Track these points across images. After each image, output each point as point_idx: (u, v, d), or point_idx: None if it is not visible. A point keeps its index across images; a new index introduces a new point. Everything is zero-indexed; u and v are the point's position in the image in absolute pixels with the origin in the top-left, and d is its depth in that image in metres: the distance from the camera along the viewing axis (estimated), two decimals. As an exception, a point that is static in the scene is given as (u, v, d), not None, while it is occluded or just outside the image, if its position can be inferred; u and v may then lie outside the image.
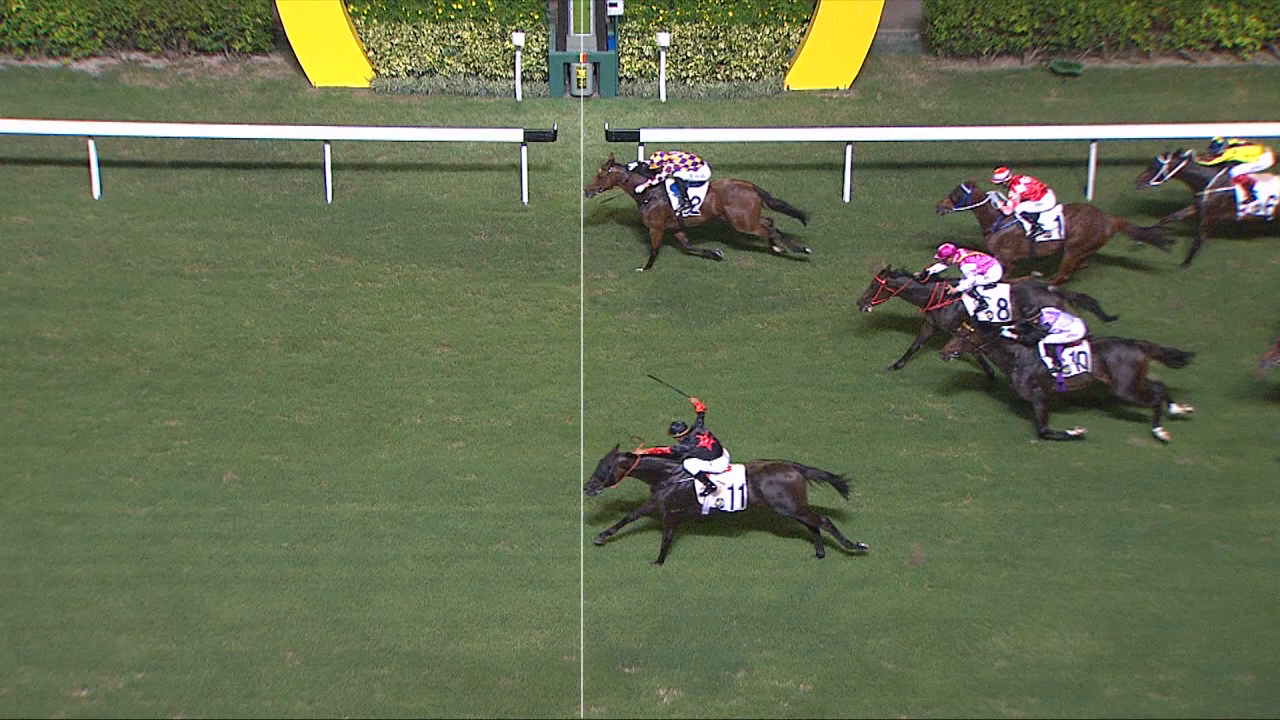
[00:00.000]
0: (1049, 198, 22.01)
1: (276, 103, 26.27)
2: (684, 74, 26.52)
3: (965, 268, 20.80)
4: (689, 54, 26.42)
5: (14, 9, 26.45)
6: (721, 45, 26.38)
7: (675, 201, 22.64)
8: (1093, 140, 24.29)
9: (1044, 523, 19.02)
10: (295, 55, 26.66)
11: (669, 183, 22.59)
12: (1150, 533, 18.90)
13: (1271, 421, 20.33)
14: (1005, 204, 22.04)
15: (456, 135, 24.93)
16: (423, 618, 17.82)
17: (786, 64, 26.59)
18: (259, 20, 26.79)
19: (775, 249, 23.00)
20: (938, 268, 20.98)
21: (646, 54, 26.43)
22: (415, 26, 26.38)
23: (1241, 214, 22.68)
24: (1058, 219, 21.98)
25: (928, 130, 25.02)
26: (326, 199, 24.26)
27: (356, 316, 22.05)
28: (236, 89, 26.58)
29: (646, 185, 22.63)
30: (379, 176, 24.78)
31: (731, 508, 18.35)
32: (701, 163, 22.67)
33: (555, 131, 24.48)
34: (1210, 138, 23.03)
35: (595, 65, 26.26)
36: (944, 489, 19.44)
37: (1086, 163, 24.34)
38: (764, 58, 26.48)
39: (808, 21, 26.47)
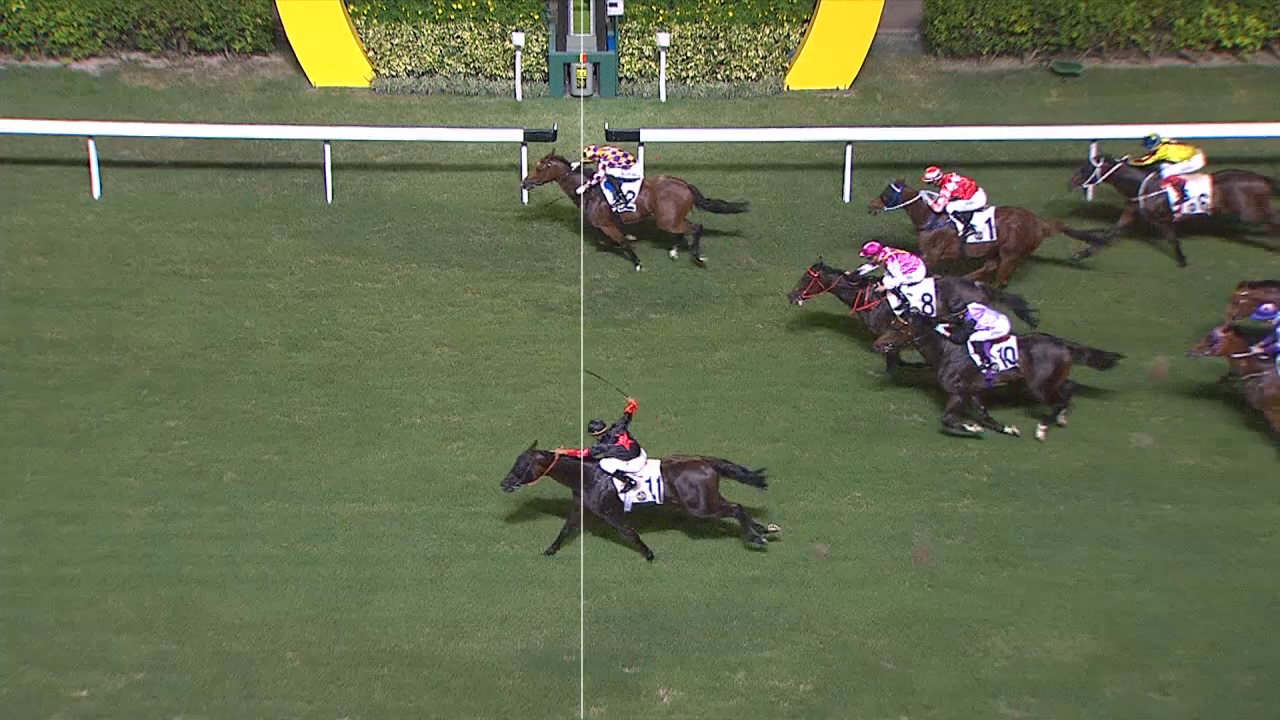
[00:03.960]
0: (979, 196, 22.11)
1: (276, 103, 26.27)
2: (684, 74, 26.53)
3: (891, 266, 20.88)
4: (689, 54, 26.42)
5: (14, 9, 26.46)
6: (721, 45, 26.38)
7: (610, 198, 22.68)
8: (1093, 140, 24.28)
9: (1044, 523, 19.02)
10: (295, 55, 26.67)
11: (603, 180, 22.63)
12: (1150, 533, 18.89)
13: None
14: (936, 201, 22.11)
15: (456, 135, 24.93)
16: (423, 618, 17.81)
17: (786, 64, 26.59)
18: (259, 20, 26.80)
19: (676, 251, 22.89)
20: (867, 268, 21.07)
21: (646, 54, 26.43)
22: (415, 26, 26.38)
23: (1178, 215, 22.77)
24: (989, 221, 22.07)
25: (928, 130, 25.03)
26: (326, 199, 24.26)
27: (356, 316, 22.05)
28: (236, 89, 26.58)
29: (587, 186, 22.65)
30: (379, 176, 24.78)
31: (653, 498, 18.39)
32: (634, 160, 22.72)
33: (555, 131, 24.48)
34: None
35: (595, 65, 26.27)
36: (944, 489, 19.44)
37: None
38: (764, 58, 26.48)
39: (808, 21, 26.47)
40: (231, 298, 22.32)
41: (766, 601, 18.01)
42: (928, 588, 18.20)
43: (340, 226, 23.71)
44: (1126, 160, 22.76)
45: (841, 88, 26.61)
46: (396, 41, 26.43)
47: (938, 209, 22.14)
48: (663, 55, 26.23)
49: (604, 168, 22.63)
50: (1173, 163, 22.67)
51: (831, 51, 26.44)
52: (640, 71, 26.52)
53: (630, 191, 22.71)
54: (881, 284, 20.93)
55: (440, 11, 26.36)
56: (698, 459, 18.56)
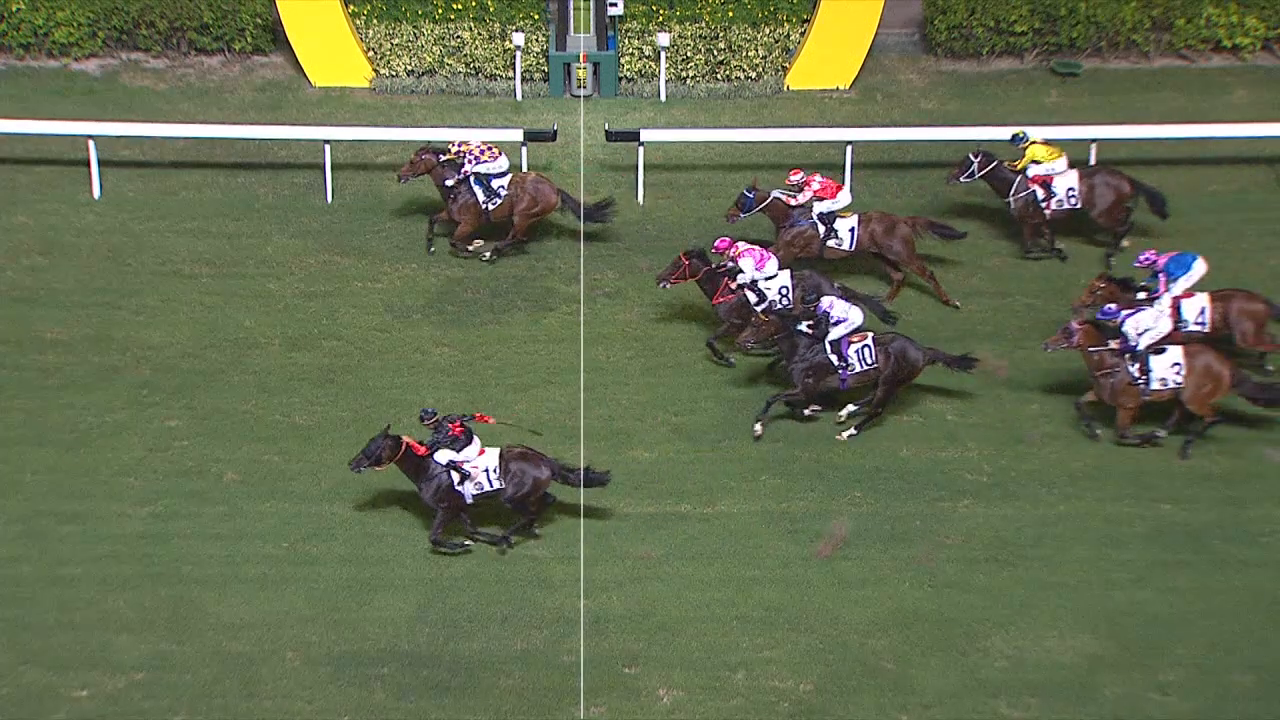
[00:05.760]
0: (844, 195, 22.18)
1: (276, 103, 26.28)
2: (684, 74, 26.53)
3: (742, 262, 20.90)
4: (689, 54, 26.42)
5: (14, 9, 26.46)
6: (721, 45, 26.38)
7: (481, 195, 22.65)
8: (1093, 140, 24.29)
9: (1044, 523, 19.02)
10: (295, 55, 26.67)
11: (471, 178, 22.59)
12: (1150, 533, 18.90)
13: (1272, 421, 20.31)
14: (794, 198, 22.15)
15: (456, 135, 24.88)
16: (423, 618, 17.82)
17: (786, 64, 26.59)
18: (259, 20, 26.80)
19: (490, 252, 22.90)
20: (730, 263, 21.12)
21: (646, 54, 26.43)
22: (415, 26, 26.38)
23: (1049, 212, 22.84)
24: (852, 229, 22.09)
25: (928, 130, 25.03)
26: (326, 199, 24.27)
27: (356, 316, 22.06)
28: (236, 89, 26.58)
29: (456, 180, 22.61)
30: (379, 176, 24.78)
31: (492, 487, 18.39)
32: (500, 154, 22.67)
33: (555, 131, 24.48)
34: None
35: (595, 65, 26.27)
36: (944, 489, 19.44)
37: (1086, 163, 24.31)
38: (764, 58, 26.48)
39: (808, 21, 26.47)
40: (231, 298, 22.32)
41: (766, 601, 18.01)
42: (928, 588, 18.20)
43: (340, 226, 23.72)
44: (1002, 162, 22.82)
45: (841, 88, 26.61)
46: (396, 41, 26.43)
47: (793, 204, 22.15)
48: (663, 55, 26.23)
49: (469, 162, 22.58)
50: (1039, 163, 22.75)
51: (831, 51, 26.44)
52: (640, 71, 26.52)
53: (501, 186, 22.69)
54: (735, 279, 20.98)
55: (440, 11, 26.36)
56: (541, 456, 18.54)
